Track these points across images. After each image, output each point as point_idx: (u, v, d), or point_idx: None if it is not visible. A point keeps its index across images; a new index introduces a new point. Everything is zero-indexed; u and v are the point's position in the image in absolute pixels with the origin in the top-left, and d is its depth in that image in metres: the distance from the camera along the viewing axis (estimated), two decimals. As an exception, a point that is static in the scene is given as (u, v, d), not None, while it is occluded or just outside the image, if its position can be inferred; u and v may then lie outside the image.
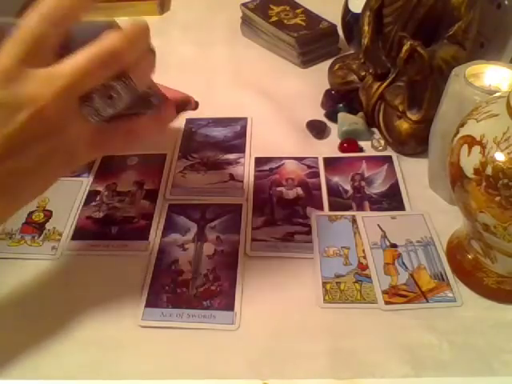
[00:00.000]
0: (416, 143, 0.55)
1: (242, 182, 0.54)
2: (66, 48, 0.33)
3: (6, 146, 0.32)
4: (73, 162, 0.37)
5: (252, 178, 0.54)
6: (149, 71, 0.37)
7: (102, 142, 0.37)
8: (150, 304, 0.43)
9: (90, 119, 0.34)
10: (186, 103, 0.45)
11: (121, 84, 0.34)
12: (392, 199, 0.51)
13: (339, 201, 0.52)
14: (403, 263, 0.45)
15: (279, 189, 0.53)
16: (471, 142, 0.37)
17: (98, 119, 0.34)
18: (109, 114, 0.35)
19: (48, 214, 0.51)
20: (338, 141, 0.58)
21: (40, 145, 0.33)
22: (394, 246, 0.47)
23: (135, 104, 0.37)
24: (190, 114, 0.53)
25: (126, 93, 0.34)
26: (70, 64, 0.32)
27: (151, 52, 0.37)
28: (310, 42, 0.71)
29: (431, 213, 0.49)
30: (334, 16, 0.72)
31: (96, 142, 0.36)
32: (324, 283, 0.44)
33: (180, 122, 0.61)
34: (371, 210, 0.51)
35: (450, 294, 0.43)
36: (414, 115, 0.55)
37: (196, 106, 0.49)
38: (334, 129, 0.60)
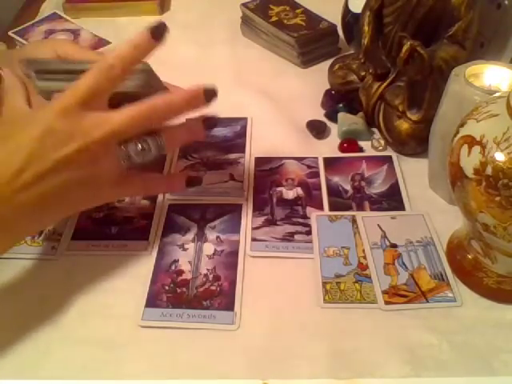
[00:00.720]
0: (416, 143, 0.55)
1: (242, 182, 0.54)
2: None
3: (50, 169, 0.38)
4: (96, 196, 0.43)
5: (252, 178, 0.54)
6: (179, 140, 0.47)
7: (124, 184, 0.44)
8: (149, 304, 0.43)
9: (122, 162, 0.42)
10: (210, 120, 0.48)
11: (153, 141, 0.42)
12: (392, 199, 0.51)
13: (339, 201, 0.52)
14: (403, 263, 0.45)
15: (279, 189, 0.53)
16: (471, 142, 0.37)
17: (127, 164, 0.42)
18: (137, 162, 0.42)
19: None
20: (338, 141, 0.58)
21: (76, 173, 0.40)
22: (394, 245, 0.47)
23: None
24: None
25: (156, 149, 0.42)
26: (120, 114, 0.40)
27: (204, 122, 0.45)
28: (310, 42, 0.71)
29: (431, 213, 0.49)
30: (334, 16, 0.72)
31: (120, 182, 0.43)
32: (324, 283, 0.44)
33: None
34: (371, 209, 0.51)
35: (450, 294, 0.43)
36: (414, 115, 0.55)
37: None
38: (334, 129, 0.60)
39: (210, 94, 0.43)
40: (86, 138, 0.39)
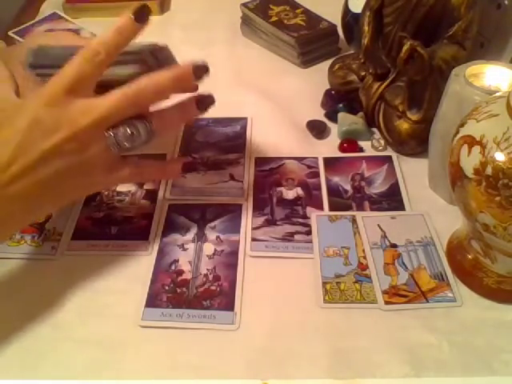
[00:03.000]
0: (416, 143, 0.55)
1: (242, 182, 0.54)
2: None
3: (37, 160, 0.38)
4: (89, 184, 0.43)
5: (252, 178, 0.54)
6: (171, 124, 0.46)
7: (115, 170, 0.43)
8: (150, 304, 0.43)
9: (111, 148, 0.41)
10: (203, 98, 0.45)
11: (142, 125, 0.41)
12: (392, 199, 0.51)
13: (339, 201, 0.52)
14: (403, 263, 0.45)
15: (279, 189, 0.53)
16: (471, 142, 0.37)
17: (117, 150, 0.41)
18: (126, 147, 0.41)
19: (48, 214, 0.51)
20: (338, 141, 0.58)
21: (66, 162, 0.39)
22: (394, 246, 0.47)
23: None
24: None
25: (145, 134, 0.41)
26: (106, 99, 0.39)
27: (197, 101, 0.43)
28: (310, 42, 0.71)
29: (431, 213, 0.49)
30: (333, 16, 0.72)
31: (111, 169, 0.42)
32: (324, 283, 0.44)
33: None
34: (371, 209, 0.51)
35: (450, 294, 0.43)
36: (413, 115, 0.55)
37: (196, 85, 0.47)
38: (334, 129, 0.60)
39: (200, 70, 0.41)
40: (73, 126, 0.38)
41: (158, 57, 0.44)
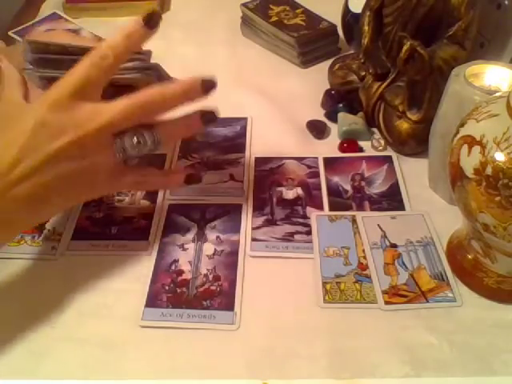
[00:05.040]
0: (416, 143, 0.55)
1: (242, 182, 0.54)
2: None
3: (42, 164, 0.38)
4: (92, 188, 0.43)
5: (252, 178, 0.54)
6: (177, 135, 0.47)
7: (118, 178, 0.43)
8: (150, 304, 0.43)
9: (116, 155, 0.41)
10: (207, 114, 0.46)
11: (149, 134, 0.41)
12: (392, 199, 0.51)
13: (339, 201, 0.52)
14: (403, 263, 0.45)
15: (279, 189, 0.53)
16: (471, 142, 0.37)
17: (122, 157, 0.41)
18: (132, 155, 0.41)
19: (52, 217, 0.51)
20: (338, 141, 0.58)
21: (68, 168, 0.39)
22: (394, 245, 0.47)
23: None
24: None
25: (152, 143, 0.41)
26: (113, 105, 0.39)
27: (202, 116, 0.44)
28: (310, 42, 0.71)
29: (431, 213, 0.49)
30: (333, 16, 0.72)
31: (115, 176, 0.43)
32: (324, 283, 0.44)
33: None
34: (371, 209, 0.51)
35: (450, 294, 0.43)
36: (414, 115, 0.55)
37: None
38: (334, 129, 0.60)
39: (208, 86, 0.42)
40: (78, 130, 0.38)
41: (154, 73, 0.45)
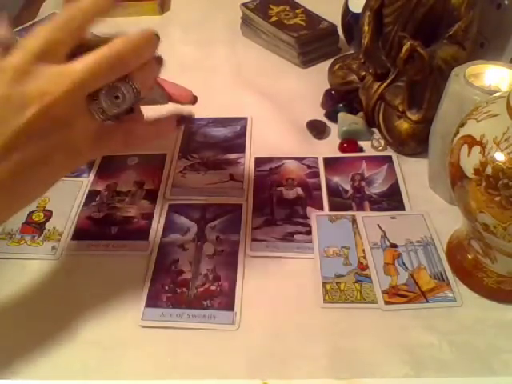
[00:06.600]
0: (416, 143, 0.55)
1: (242, 181, 0.54)
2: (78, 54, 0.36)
3: (13, 140, 0.33)
4: (76, 159, 0.38)
5: (252, 178, 0.54)
6: (152, 77, 0.40)
7: (104, 141, 0.39)
8: (150, 304, 0.43)
9: (96, 117, 0.36)
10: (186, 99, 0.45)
11: (126, 86, 0.37)
12: (392, 199, 0.51)
13: (339, 201, 0.52)
14: (403, 263, 0.45)
15: (279, 189, 0.53)
16: (471, 142, 0.37)
17: (103, 117, 0.36)
18: (113, 114, 0.37)
19: (48, 214, 0.51)
20: (338, 141, 0.58)
21: (46, 140, 0.35)
22: (393, 245, 0.47)
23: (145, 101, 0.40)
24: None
25: (131, 94, 0.37)
26: (80, 63, 0.34)
27: (157, 60, 0.40)
28: (310, 42, 0.71)
29: (431, 213, 0.49)
30: (333, 16, 0.72)
31: (98, 140, 0.38)
32: (324, 283, 0.44)
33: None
34: (371, 209, 0.51)
35: (450, 294, 0.43)
36: (414, 115, 0.55)
37: (195, 100, 0.48)
38: (334, 129, 0.60)
39: (155, 38, 0.38)
40: (45, 97, 0.33)
41: None
